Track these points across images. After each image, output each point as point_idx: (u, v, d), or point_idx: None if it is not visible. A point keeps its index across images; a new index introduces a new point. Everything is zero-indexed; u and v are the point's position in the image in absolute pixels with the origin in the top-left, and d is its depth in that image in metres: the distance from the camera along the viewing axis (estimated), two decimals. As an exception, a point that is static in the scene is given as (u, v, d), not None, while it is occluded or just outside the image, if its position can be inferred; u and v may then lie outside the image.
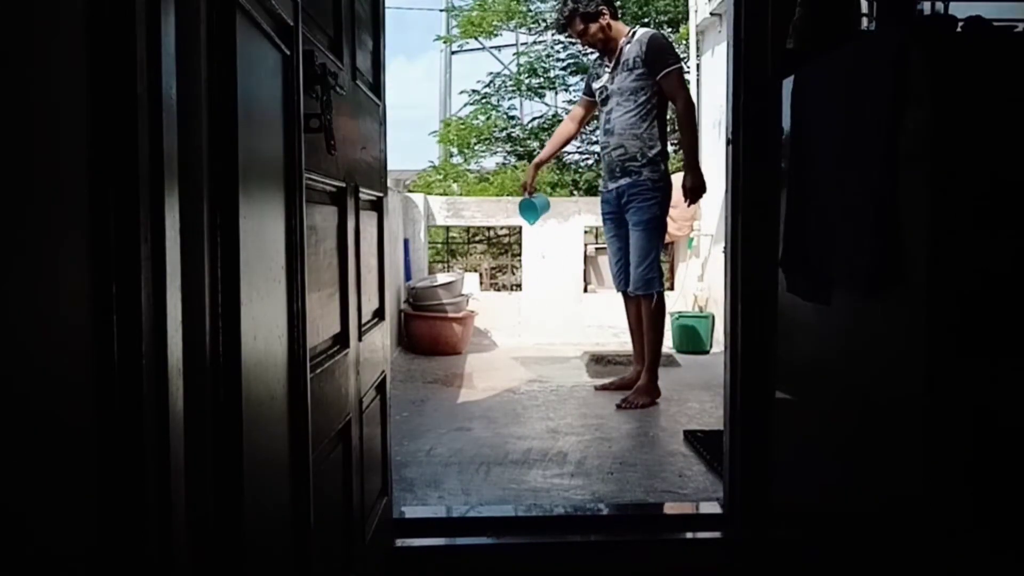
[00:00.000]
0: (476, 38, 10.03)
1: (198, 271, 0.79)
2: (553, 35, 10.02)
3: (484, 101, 10.30)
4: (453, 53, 12.94)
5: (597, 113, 4.01)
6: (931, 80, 1.36)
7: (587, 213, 6.11)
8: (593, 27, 3.80)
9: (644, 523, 2.31)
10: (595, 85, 3.96)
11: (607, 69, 3.87)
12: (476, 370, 4.76)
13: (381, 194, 1.99)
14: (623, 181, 3.78)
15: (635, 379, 3.89)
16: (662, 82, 3.69)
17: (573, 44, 10.09)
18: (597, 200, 6.43)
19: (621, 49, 3.79)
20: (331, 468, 1.42)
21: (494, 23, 9.89)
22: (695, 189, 3.66)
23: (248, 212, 0.90)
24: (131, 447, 0.66)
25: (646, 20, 9.34)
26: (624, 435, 3.25)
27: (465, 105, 10.48)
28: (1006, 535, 1.35)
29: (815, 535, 1.84)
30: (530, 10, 9.99)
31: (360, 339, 1.66)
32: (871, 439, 1.54)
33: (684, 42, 8.14)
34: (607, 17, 3.80)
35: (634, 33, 3.82)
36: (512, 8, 9.88)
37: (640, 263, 3.72)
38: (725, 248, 2.25)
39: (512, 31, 10.29)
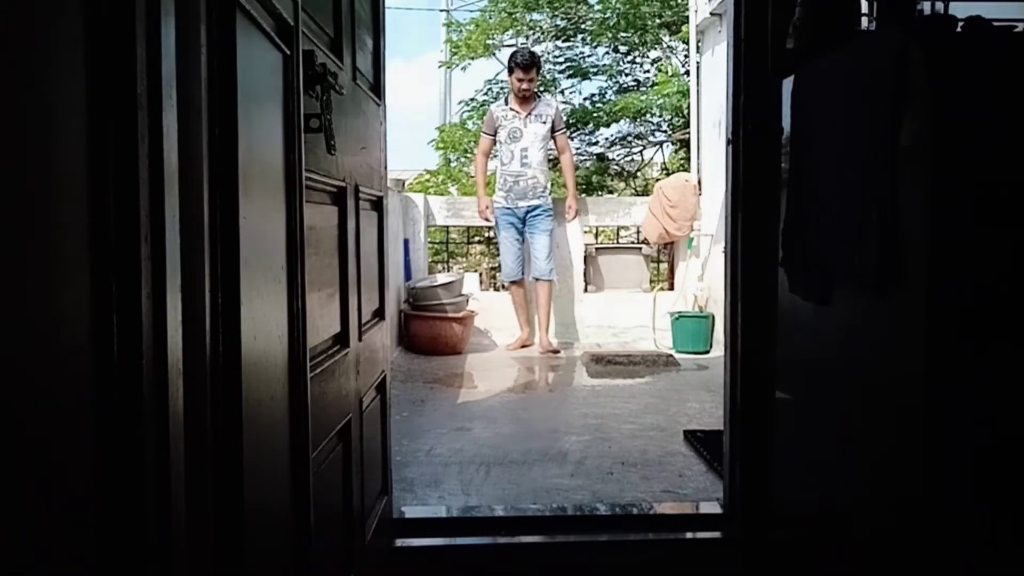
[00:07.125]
0: (472, 59, 10.04)
1: (198, 271, 0.79)
2: (552, 41, 10.10)
3: (483, 106, 10.30)
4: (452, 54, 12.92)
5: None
6: (931, 80, 1.36)
7: (587, 213, 6.11)
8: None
9: (644, 523, 2.31)
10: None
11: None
12: (476, 370, 4.76)
13: (381, 194, 1.99)
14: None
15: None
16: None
17: (571, 48, 10.12)
18: (596, 200, 6.46)
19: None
20: (331, 468, 1.42)
21: (487, 42, 9.89)
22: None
23: (248, 212, 0.90)
24: (131, 447, 0.66)
25: (642, 22, 9.33)
26: (624, 435, 3.25)
27: (464, 110, 10.48)
28: (1006, 534, 1.35)
29: (815, 535, 1.84)
30: (527, 22, 9.98)
31: (360, 339, 1.66)
32: (871, 439, 1.54)
33: (684, 42, 8.15)
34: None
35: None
36: (507, 22, 9.88)
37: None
38: (725, 248, 2.24)
39: (508, 43, 10.26)
